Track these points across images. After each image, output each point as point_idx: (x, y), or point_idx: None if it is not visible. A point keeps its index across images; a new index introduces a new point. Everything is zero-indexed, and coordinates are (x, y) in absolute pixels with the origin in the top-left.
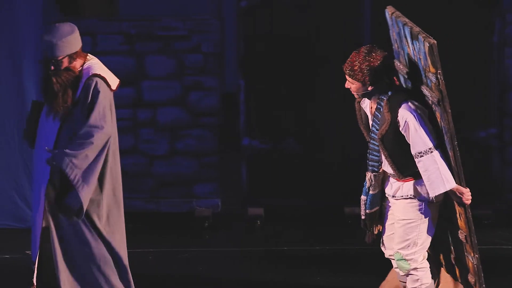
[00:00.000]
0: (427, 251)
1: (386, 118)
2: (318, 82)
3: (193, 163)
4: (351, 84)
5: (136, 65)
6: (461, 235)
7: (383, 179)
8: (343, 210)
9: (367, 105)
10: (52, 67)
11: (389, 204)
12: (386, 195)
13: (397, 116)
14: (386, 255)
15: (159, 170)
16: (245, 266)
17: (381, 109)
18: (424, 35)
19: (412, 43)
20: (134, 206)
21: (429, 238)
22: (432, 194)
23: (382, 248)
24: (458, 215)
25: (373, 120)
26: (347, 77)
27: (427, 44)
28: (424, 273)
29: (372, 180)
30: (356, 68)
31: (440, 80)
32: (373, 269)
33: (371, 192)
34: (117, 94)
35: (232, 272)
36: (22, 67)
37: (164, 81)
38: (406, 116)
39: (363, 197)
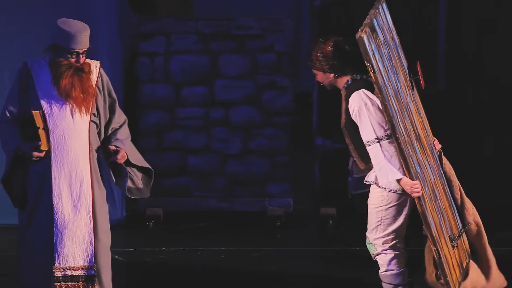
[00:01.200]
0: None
1: (343, 107)
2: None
3: (266, 162)
4: (316, 75)
5: (210, 64)
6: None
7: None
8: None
9: None
10: (74, 60)
11: None
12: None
13: (349, 105)
14: None
15: (232, 169)
16: (317, 265)
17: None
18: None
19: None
20: (207, 205)
21: (394, 227)
22: (380, 184)
23: None
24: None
25: None
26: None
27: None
28: (389, 260)
29: (352, 165)
30: (313, 57)
31: (371, 73)
32: None
33: (354, 175)
34: (190, 93)
35: (304, 272)
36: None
37: (238, 80)
38: (354, 105)
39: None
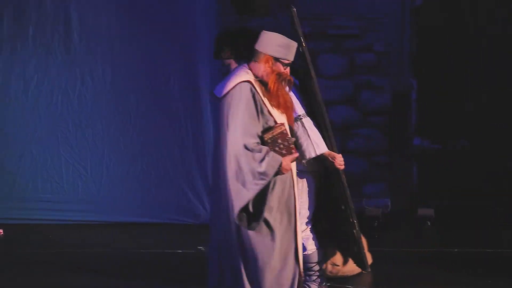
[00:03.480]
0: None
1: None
2: (491, 80)
3: (363, 162)
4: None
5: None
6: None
7: None
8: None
9: None
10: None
11: None
12: None
13: None
14: None
15: None
16: (415, 266)
17: None
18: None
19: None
20: None
21: (304, 209)
22: (304, 159)
23: None
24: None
25: None
26: None
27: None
28: (305, 241)
29: None
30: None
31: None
32: None
33: None
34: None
35: (401, 272)
36: (197, 67)
37: (336, 80)
38: None
39: None
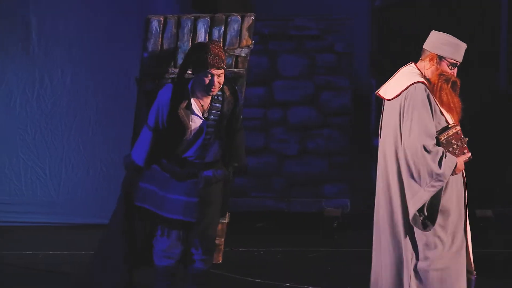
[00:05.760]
0: None
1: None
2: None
3: (323, 163)
4: (222, 75)
5: (269, 65)
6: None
7: None
8: (474, 213)
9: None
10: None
11: None
12: None
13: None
14: None
15: (290, 169)
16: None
17: None
18: (238, 14)
19: (210, 32)
20: (265, 205)
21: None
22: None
23: None
24: None
25: None
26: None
27: (252, 19)
28: None
29: None
30: (223, 57)
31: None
32: None
33: None
34: (249, 94)
35: (360, 272)
36: None
37: (296, 81)
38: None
39: None
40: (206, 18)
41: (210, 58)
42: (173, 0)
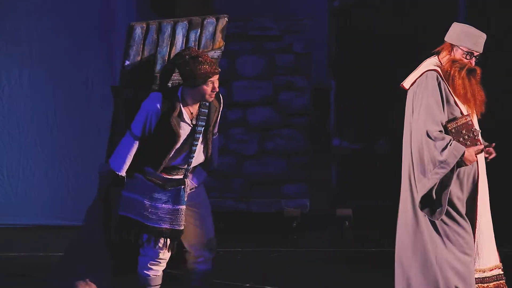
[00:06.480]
0: None
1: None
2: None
3: (283, 163)
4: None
5: (228, 65)
6: None
7: None
8: None
9: None
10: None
11: None
12: None
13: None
14: None
15: (249, 170)
16: (333, 266)
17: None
18: (213, 17)
19: (188, 36)
20: (225, 206)
21: None
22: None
23: None
24: None
25: None
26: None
27: (226, 20)
28: None
29: None
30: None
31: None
32: None
33: None
34: None
35: (319, 272)
36: (116, 67)
37: (255, 81)
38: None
39: None
40: (185, 22)
41: (208, 67)
42: (133, 1)
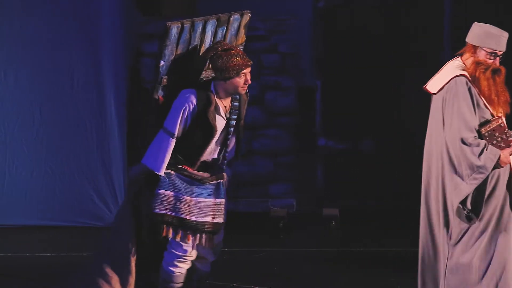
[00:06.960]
0: None
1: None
2: (396, 83)
3: (269, 163)
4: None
5: None
6: None
7: None
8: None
9: None
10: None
11: None
12: None
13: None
14: None
15: (236, 169)
16: (320, 266)
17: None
18: (238, 13)
19: (215, 33)
20: None
21: None
22: None
23: None
24: None
25: None
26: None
27: (249, 15)
28: None
29: None
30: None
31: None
32: None
33: None
34: None
35: (306, 272)
36: (102, 66)
37: None
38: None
39: None
40: (214, 20)
41: (240, 60)
42: (118, 2)
